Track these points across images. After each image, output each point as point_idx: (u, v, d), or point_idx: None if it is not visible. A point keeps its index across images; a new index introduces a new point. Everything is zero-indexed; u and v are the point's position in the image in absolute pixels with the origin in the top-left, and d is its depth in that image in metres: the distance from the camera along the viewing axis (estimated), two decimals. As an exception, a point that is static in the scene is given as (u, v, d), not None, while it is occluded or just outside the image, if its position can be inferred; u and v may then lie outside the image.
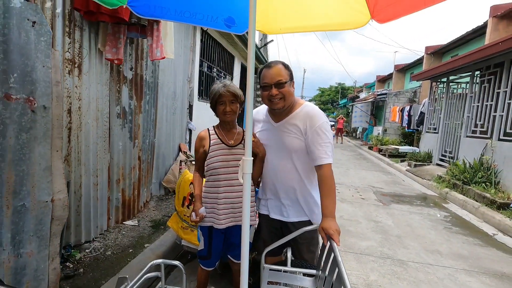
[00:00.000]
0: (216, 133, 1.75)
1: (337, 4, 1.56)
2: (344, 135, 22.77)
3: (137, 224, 3.23)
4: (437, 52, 11.90)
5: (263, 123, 1.74)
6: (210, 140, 1.72)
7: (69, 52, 2.31)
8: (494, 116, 5.92)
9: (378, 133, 14.62)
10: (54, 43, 2.15)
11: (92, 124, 2.61)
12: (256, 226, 1.85)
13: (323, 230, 1.36)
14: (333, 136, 14.14)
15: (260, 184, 1.81)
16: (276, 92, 1.52)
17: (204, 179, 1.83)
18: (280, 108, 1.57)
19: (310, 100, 50.06)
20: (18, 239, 1.51)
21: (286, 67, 1.57)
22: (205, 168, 1.73)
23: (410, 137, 12.26)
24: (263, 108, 1.77)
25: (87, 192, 2.62)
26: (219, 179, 1.70)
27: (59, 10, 2.17)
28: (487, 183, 5.42)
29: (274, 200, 1.73)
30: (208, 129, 1.78)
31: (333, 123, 26.83)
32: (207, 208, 1.74)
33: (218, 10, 1.61)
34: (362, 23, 1.54)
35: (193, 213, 1.70)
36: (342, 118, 17.83)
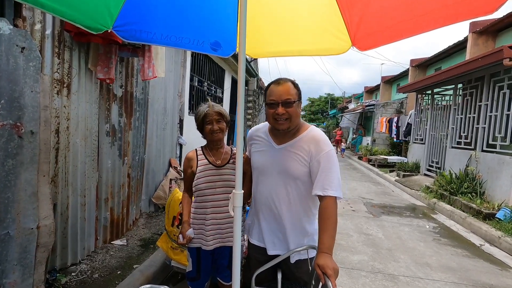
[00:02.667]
0: (204, 154, 1.77)
1: (319, 32, 1.63)
2: (333, 145, 22.93)
3: (125, 244, 3.16)
4: (421, 65, 12.32)
5: (263, 143, 1.59)
6: (197, 161, 1.74)
7: (58, 73, 2.30)
8: (477, 128, 6.13)
9: (367, 143, 14.87)
10: (43, 64, 2.14)
11: (81, 144, 2.58)
12: (245, 246, 1.83)
13: (319, 267, 1.25)
14: (343, 148, 13.71)
15: (250, 211, 1.71)
16: (283, 111, 1.40)
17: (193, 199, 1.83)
18: (285, 129, 1.45)
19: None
20: (1, 269, 1.46)
21: (296, 86, 1.46)
22: (193, 189, 1.74)
23: (398, 147, 12.51)
24: (264, 126, 1.63)
25: (74, 213, 2.56)
26: (206, 200, 1.71)
27: (48, 31, 2.17)
28: (473, 194, 5.56)
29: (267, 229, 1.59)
30: (196, 149, 1.80)
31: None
32: (194, 229, 1.73)
33: (204, 35, 1.65)
34: (344, 49, 1.60)
35: (180, 236, 1.68)
36: (341, 130, 17.90)
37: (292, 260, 1.58)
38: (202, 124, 1.71)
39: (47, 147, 1.66)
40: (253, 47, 1.84)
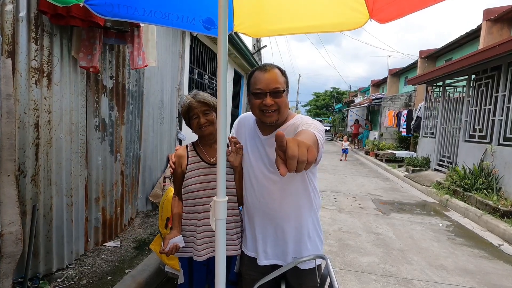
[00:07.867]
0: (195, 150, 1.53)
1: (331, 3, 1.37)
2: (339, 140, 22.39)
3: (119, 246, 2.97)
4: (431, 56, 11.88)
5: (249, 132, 1.45)
6: (188, 158, 1.50)
7: (36, 60, 2.08)
8: (493, 121, 5.79)
9: (375, 138, 14.50)
10: (16, 50, 1.92)
11: (66, 139, 2.37)
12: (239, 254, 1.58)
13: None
14: (346, 148, 12.11)
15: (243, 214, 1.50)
16: (272, 102, 1.25)
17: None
18: (273, 122, 1.31)
19: (305, 105, 50.10)
20: (-43, 283, 1.26)
21: (283, 73, 1.32)
22: (182, 190, 1.50)
23: (406, 141, 12.14)
24: (252, 116, 1.45)
25: (60, 214, 2.36)
26: (198, 204, 1.47)
27: (22, 14, 1.95)
28: (488, 190, 5.25)
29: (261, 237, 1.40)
30: (187, 145, 1.56)
31: (328, 127, 26.46)
32: (185, 236, 1.50)
33: (195, 10, 1.41)
34: (360, 23, 1.34)
35: (162, 243, 1.45)
36: (359, 124, 16.96)
37: (296, 268, 1.39)
38: (188, 118, 1.48)
39: (11, 142, 1.44)
40: (252, 25, 1.58)
